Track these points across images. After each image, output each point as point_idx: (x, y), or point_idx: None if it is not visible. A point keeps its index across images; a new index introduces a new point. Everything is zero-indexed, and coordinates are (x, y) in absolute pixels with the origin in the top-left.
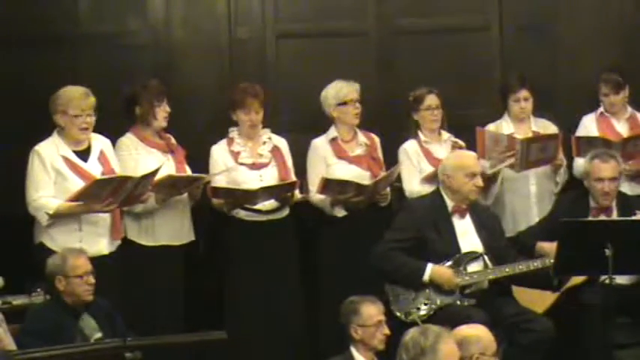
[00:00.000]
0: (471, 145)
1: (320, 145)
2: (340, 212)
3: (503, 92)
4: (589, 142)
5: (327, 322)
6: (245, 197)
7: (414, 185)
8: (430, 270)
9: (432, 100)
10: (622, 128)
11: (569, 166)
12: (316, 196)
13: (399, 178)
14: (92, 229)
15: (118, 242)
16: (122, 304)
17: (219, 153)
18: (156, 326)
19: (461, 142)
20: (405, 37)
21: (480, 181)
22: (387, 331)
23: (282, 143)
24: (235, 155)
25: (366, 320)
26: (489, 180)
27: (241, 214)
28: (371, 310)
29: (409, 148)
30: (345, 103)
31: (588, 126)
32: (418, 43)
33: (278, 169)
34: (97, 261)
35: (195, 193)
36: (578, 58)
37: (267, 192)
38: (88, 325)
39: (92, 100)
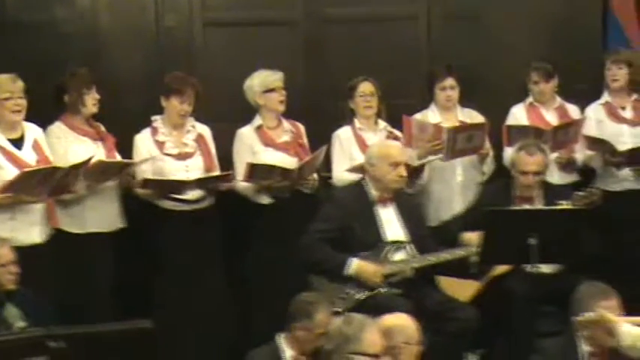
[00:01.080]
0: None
1: (246, 133)
2: (265, 199)
3: (429, 81)
4: (520, 131)
5: (256, 310)
6: (177, 188)
7: (343, 172)
8: (354, 265)
9: (366, 87)
10: (551, 118)
11: (498, 156)
12: (241, 184)
13: (327, 167)
14: (25, 218)
15: (52, 230)
16: (54, 292)
17: (143, 142)
18: (86, 315)
19: (397, 133)
20: (334, 27)
21: (403, 171)
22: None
23: (205, 131)
24: (160, 145)
25: (315, 328)
26: (415, 170)
27: (168, 204)
28: (323, 321)
29: (342, 135)
30: (271, 90)
31: (518, 116)
32: (347, 32)
33: (203, 159)
34: (31, 250)
35: (125, 180)
36: (506, 48)
37: (200, 183)
38: (11, 313)
39: (20, 84)
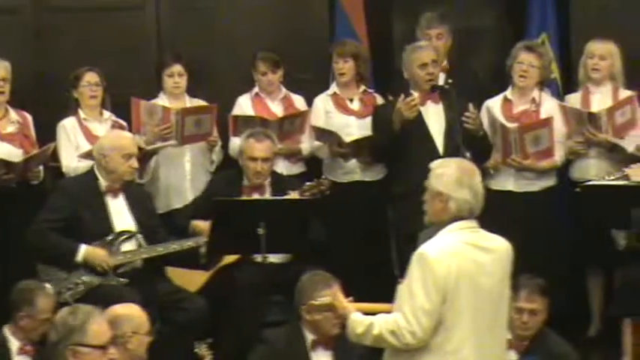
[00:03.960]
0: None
1: None
2: None
3: (157, 69)
4: (246, 122)
5: None
6: None
7: (71, 161)
8: (83, 251)
9: (91, 77)
10: (277, 108)
11: (225, 146)
12: None
13: (55, 157)
14: None
15: None
16: None
17: None
18: None
19: (122, 122)
20: (60, 15)
21: (135, 163)
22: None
23: None
24: None
25: (38, 313)
26: (145, 156)
27: None
28: (45, 306)
29: (67, 125)
30: None
31: (244, 106)
32: (74, 21)
33: None
34: None
35: None
36: (233, 38)
37: None
38: None
39: None
